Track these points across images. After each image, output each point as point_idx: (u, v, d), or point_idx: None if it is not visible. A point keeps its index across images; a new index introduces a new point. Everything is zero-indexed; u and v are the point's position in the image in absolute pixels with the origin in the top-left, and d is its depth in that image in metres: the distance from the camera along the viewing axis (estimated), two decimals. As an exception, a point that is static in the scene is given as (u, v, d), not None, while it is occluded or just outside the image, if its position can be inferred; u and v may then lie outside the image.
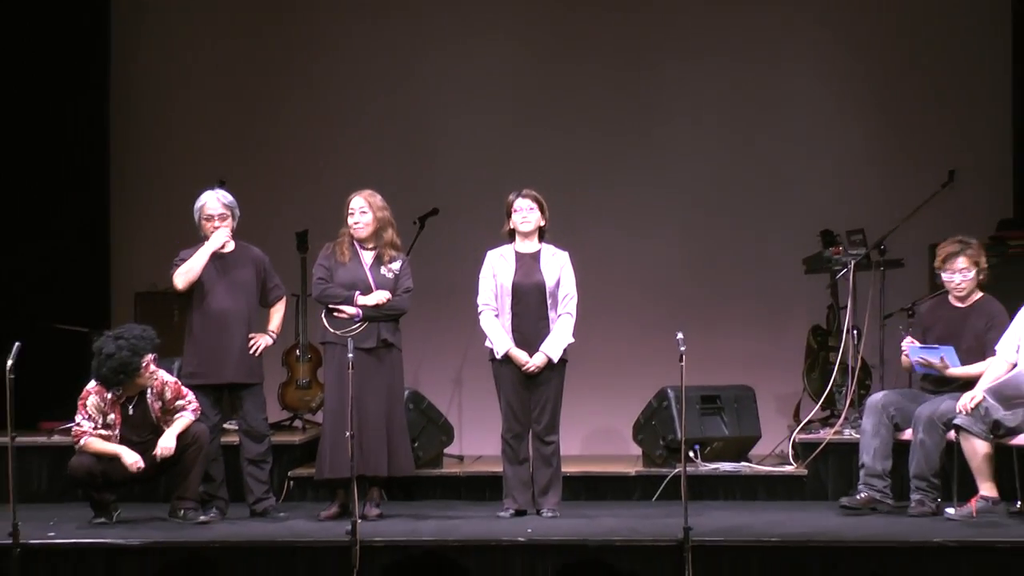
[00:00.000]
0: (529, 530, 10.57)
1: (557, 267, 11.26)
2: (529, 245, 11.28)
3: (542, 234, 11.32)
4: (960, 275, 11.21)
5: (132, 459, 10.72)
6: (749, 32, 14.20)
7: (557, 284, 11.22)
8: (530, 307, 11.20)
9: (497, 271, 11.24)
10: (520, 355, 11.15)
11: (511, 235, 11.29)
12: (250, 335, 11.23)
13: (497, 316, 11.22)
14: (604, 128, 14.20)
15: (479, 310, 11.29)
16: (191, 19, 14.37)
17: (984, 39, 13.92)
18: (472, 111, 14.26)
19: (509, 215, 11.27)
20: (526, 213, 11.21)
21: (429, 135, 14.29)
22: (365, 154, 13.94)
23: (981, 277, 11.27)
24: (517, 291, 11.19)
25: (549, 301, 11.21)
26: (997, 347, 10.97)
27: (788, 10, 14.20)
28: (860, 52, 14.17)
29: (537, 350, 11.14)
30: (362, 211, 11.11)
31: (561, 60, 14.27)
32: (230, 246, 11.26)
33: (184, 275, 11.09)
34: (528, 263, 11.25)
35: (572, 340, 11.25)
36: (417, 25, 14.27)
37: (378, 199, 11.18)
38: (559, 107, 14.23)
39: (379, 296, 11.04)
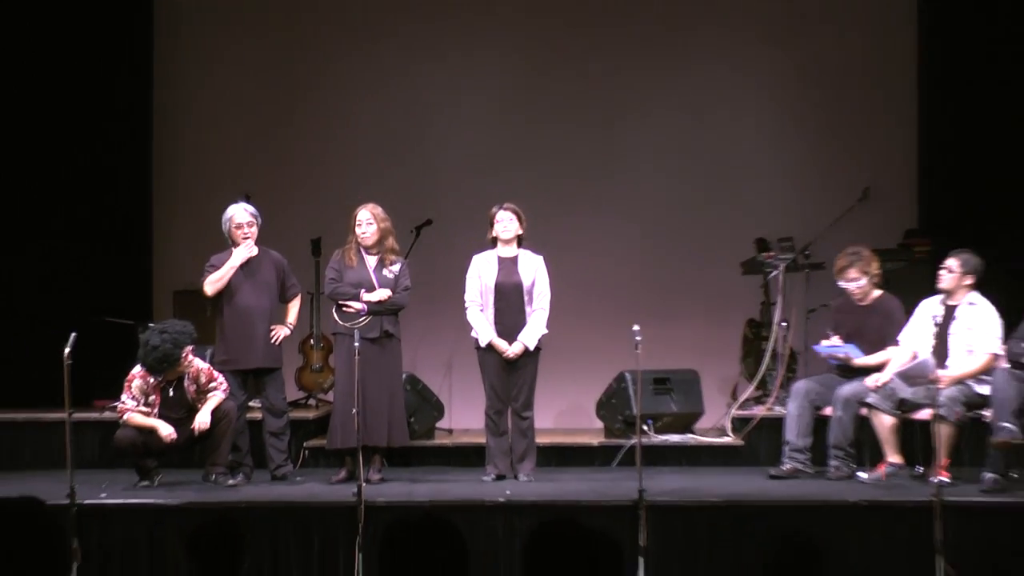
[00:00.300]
0: (508, 492, 10.62)
1: (533, 269, 11.34)
2: (509, 250, 11.35)
3: (520, 241, 11.39)
4: (854, 283, 11.35)
5: (167, 431, 10.78)
6: (700, 73, 14.17)
7: (533, 284, 11.29)
8: (510, 303, 11.27)
9: (482, 273, 11.32)
10: (501, 344, 11.23)
11: (493, 242, 11.38)
12: (271, 327, 11.30)
13: (482, 311, 11.31)
14: (574, 150, 14.18)
15: (466, 306, 11.35)
16: (222, 54, 14.31)
17: (894, 76, 13.92)
18: (461, 137, 14.26)
19: (492, 224, 11.33)
20: (506, 223, 11.29)
21: (425, 156, 14.27)
22: (370, 171, 13.92)
23: (874, 281, 11.39)
24: (499, 290, 11.27)
25: (526, 298, 11.28)
26: (900, 337, 11.11)
27: (732, 54, 14.16)
28: (789, 88, 14.16)
29: (516, 340, 11.25)
30: (368, 222, 11.18)
31: (539, 95, 14.24)
32: (253, 251, 11.34)
33: (212, 284, 11.20)
34: (508, 266, 11.32)
35: (546, 331, 11.33)
36: (417, 63, 14.24)
37: (380, 211, 11.24)
38: (537, 134, 14.20)
39: (381, 294, 11.10)
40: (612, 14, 14.16)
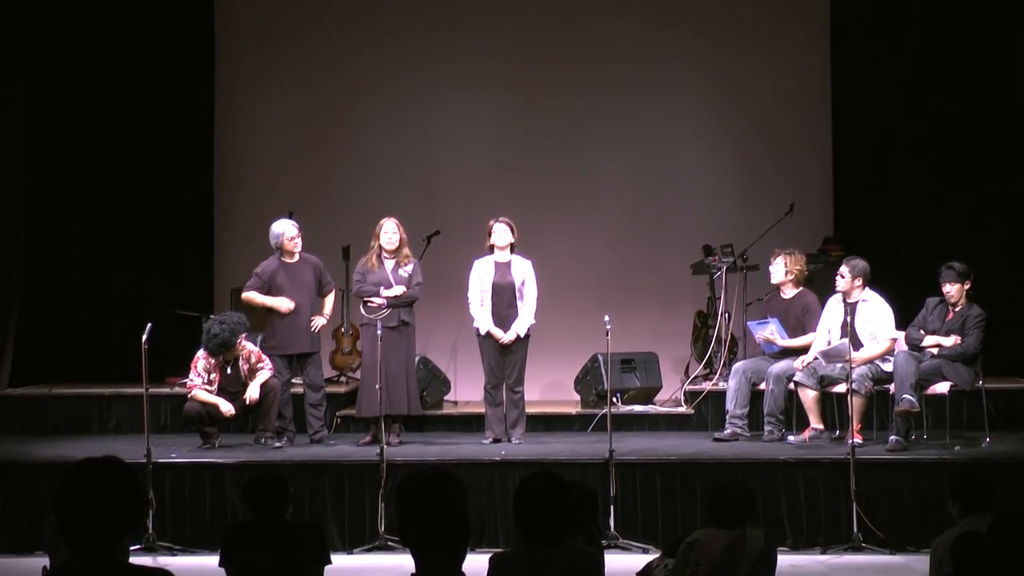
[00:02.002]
0: (503, 452, 10.70)
1: (523, 271, 11.36)
2: (503, 256, 11.36)
3: (512, 247, 11.42)
4: (774, 267, 11.48)
5: (227, 408, 10.86)
6: (657, 103, 14.06)
7: (523, 283, 11.33)
8: (504, 299, 11.30)
9: (481, 275, 11.33)
10: (497, 332, 11.25)
11: (491, 248, 11.40)
12: (311, 318, 11.35)
13: (482, 305, 11.34)
14: (554, 169, 14.10)
15: (469, 302, 11.38)
16: (273, 85, 14.22)
17: (813, 107, 13.86)
18: (463, 160, 14.19)
19: (489, 234, 11.37)
20: (501, 233, 11.31)
21: (433, 177, 14.18)
22: (389, 190, 13.86)
23: (791, 276, 11.44)
24: (495, 288, 11.28)
25: (518, 295, 11.31)
26: (818, 328, 11.16)
27: (683, 88, 14.11)
28: (729, 117, 14.08)
29: (510, 328, 11.26)
30: (394, 231, 11.23)
31: (525, 123, 14.14)
32: (297, 257, 11.39)
33: (247, 299, 11.36)
34: (503, 268, 11.33)
35: (534, 321, 11.35)
36: (427, 99, 14.16)
37: (400, 225, 11.30)
38: (524, 156, 14.08)
39: (396, 290, 11.13)
40: (584, 53, 14.09)
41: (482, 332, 11.31)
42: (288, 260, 11.37)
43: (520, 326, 11.27)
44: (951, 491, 6.70)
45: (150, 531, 9.85)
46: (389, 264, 11.24)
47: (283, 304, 11.10)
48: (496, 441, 11.26)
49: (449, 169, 14.24)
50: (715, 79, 14.15)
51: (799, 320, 11.39)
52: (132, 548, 9.29)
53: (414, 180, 14.17)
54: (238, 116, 14.28)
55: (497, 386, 11.35)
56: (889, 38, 13.55)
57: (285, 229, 11.39)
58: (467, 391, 13.10)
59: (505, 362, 11.31)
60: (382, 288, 11.14)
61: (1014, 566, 5.18)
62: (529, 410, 11.66)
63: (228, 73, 14.27)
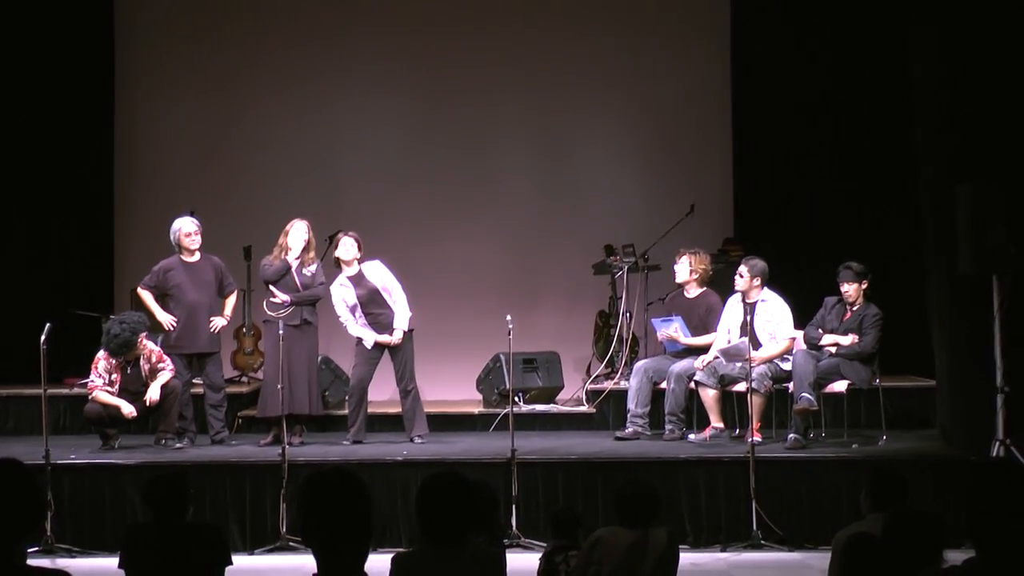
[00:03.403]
0: (404, 452, 10.66)
1: (378, 273, 11.31)
2: (352, 269, 11.26)
3: (359, 260, 11.31)
4: (679, 266, 11.55)
5: (128, 410, 10.73)
6: (560, 107, 14.09)
7: (383, 285, 11.27)
8: (375, 306, 11.23)
9: (344, 297, 11.25)
10: (384, 338, 11.19)
11: (337, 263, 11.32)
12: (211, 318, 11.25)
13: (358, 323, 11.24)
14: (456, 170, 14.08)
15: (343, 323, 11.32)
16: (173, 82, 14.10)
17: (714, 113, 13.96)
18: (366, 161, 14.15)
19: (335, 247, 11.34)
20: (348, 247, 11.24)
21: (336, 177, 14.11)
22: (291, 190, 13.76)
23: (696, 276, 11.51)
24: (362, 300, 11.22)
25: (384, 295, 11.25)
26: (718, 327, 11.24)
27: (585, 93, 14.12)
28: (632, 121, 14.13)
29: (394, 329, 11.18)
30: (303, 234, 11.17)
31: (429, 125, 14.13)
32: (197, 255, 11.28)
33: (139, 296, 11.30)
34: (359, 280, 11.24)
35: (410, 313, 11.27)
36: (331, 101, 14.11)
37: (310, 228, 11.23)
38: (426, 156, 14.06)
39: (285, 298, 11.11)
40: (489, 59, 14.11)
41: (369, 345, 11.21)
42: (188, 259, 11.27)
43: (400, 322, 11.21)
44: (866, 485, 6.74)
45: (49, 533, 9.70)
46: (293, 264, 11.17)
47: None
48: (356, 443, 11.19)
49: (353, 171, 14.16)
50: (617, 81, 14.19)
51: (702, 320, 11.45)
52: (30, 550, 9.16)
53: (317, 181, 14.08)
54: (139, 111, 14.11)
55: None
56: (790, 40, 13.66)
57: (182, 225, 11.30)
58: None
59: (394, 362, 11.27)
60: (273, 286, 11.10)
61: (902, 565, 5.24)
62: (431, 409, 11.63)
63: (128, 67, 14.09)
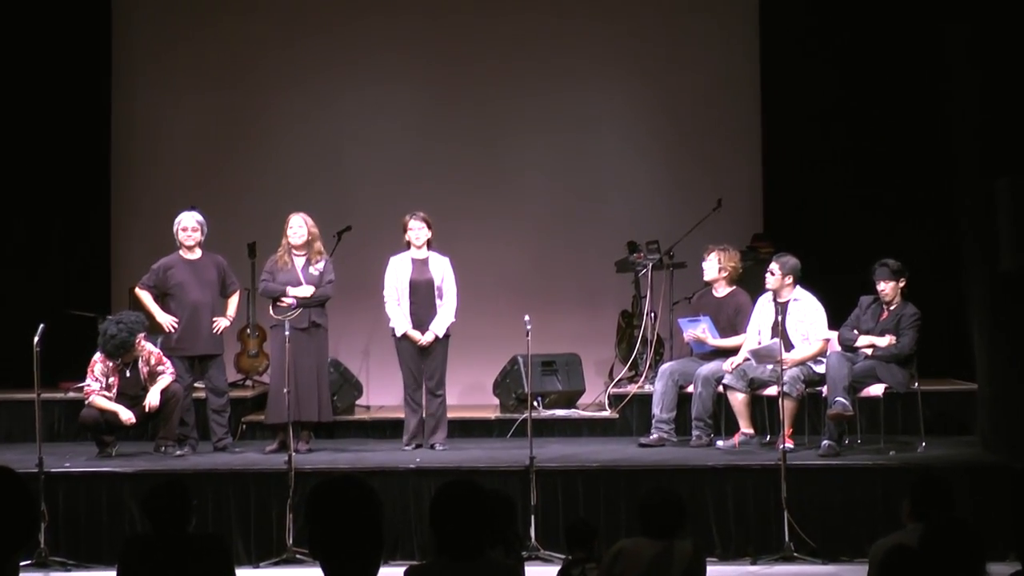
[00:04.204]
0: (418, 460, 10.65)
1: (442, 268, 11.31)
2: (420, 253, 11.30)
3: (429, 244, 11.37)
4: (707, 264, 11.50)
5: (127, 416, 10.72)
6: (580, 99, 14.11)
7: (442, 280, 11.28)
8: (422, 298, 11.22)
9: (397, 272, 11.26)
10: (415, 334, 11.17)
11: (407, 245, 11.35)
12: (214, 319, 11.24)
13: (398, 305, 11.27)
14: (472, 164, 14.11)
15: (385, 301, 11.30)
16: (175, 74, 14.11)
17: (742, 103, 13.95)
18: (377, 155, 14.16)
19: (405, 230, 11.32)
20: (417, 231, 11.27)
21: (346, 171, 14.14)
22: (299, 184, 13.78)
23: (725, 274, 11.49)
24: (413, 287, 11.21)
25: (436, 293, 11.26)
26: (748, 328, 11.22)
27: (607, 83, 14.14)
28: (656, 112, 14.15)
29: (428, 329, 11.20)
30: (300, 226, 11.15)
31: (443, 118, 14.15)
32: (198, 252, 11.28)
33: (138, 296, 11.28)
34: (420, 266, 11.27)
35: (453, 320, 11.30)
36: (340, 93, 14.13)
37: (309, 219, 11.23)
38: (441, 151, 14.09)
39: (305, 290, 11.06)
40: (502, 48, 14.12)
41: (398, 334, 11.23)
42: (188, 256, 11.25)
43: (439, 326, 11.21)
44: (908, 492, 6.71)
45: (42, 546, 9.71)
46: (299, 262, 11.17)
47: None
48: (417, 447, 11.20)
49: (362, 164, 14.18)
50: (640, 71, 14.19)
51: (731, 320, 11.42)
52: (23, 564, 9.14)
53: (325, 175, 14.11)
54: (137, 102, 14.14)
55: (417, 389, 11.27)
56: (821, 29, 13.64)
57: (182, 219, 11.30)
58: (380, 395, 13.07)
59: (424, 365, 11.25)
60: (288, 287, 11.07)
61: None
62: (447, 415, 11.60)
63: (127, 60, 14.13)
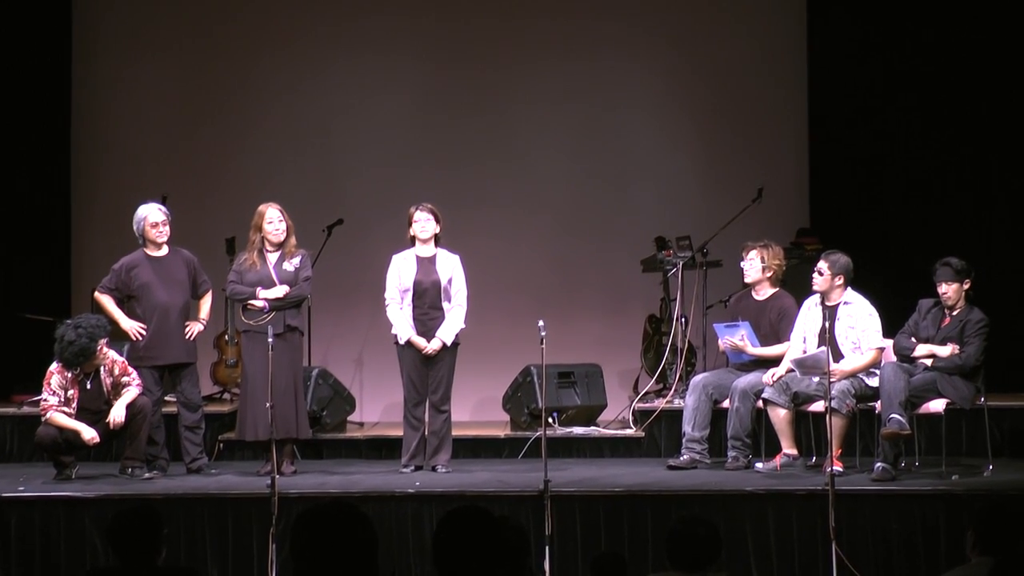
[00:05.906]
0: (417, 483, 10.63)
1: (451, 267, 11.28)
2: (427, 249, 11.27)
3: (437, 240, 11.35)
4: (748, 263, 11.46)
5: (90, 435, 10.70)
6: (602, 76, 14.14)
7: (450, 281, 11.24)
8: (428, 300, 11.19)
9: (400, 271, 11.23)
10: (419, 341, 11.14)
11: (412, 241, 11.32)
12: (185, 323, 11.22)
13: (401, 309, 11.24)
14: (480, 151, 14.14)
15: (386, 303, 11.28)
16: (139, 58, 14.13)
17: (786, 82, 13.96)
18: (372, 138, 14.18)
19: (410, 224, 11.29)
20: (424, 223, 11.24)
21: (335, 157, 14.18)
22: (282, 173, 13.83)
23: (769, 274, 11.47)
24: (417, 288, 11.18)
25: (443, 295, 11.23)
26: (792, 335, 11.19)
27: (634, 58, 14.15)
28: (687, 91, 14.18)
29: (434, 336, 11.18)
30: (279, 220, 11.12)
31: (447, 97, 14.17)
32: (165, 250, 11.27)
33: (98, 301, 11.26)
34: (426, 264, 11.24)
35: (463, 326, 11.28)
36: (326, 67, 14.16)
37: (283, 211, 11.22)
38: (446, 135, 14.11)
39: (278, 291, 11.04)
40: (513, 10, 14.13)
41: (401, 341, 11.21)
42: (154, 253, 11.24)
43: (446, 333, 11.19)
44: (973, 523, 6.67)
45: (-7, 579, 9.74)
46: (273, 258, 11.14)
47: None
48: (417, 469, 11.19)
49: (353, 149, 14.20)
50: (671, 43, 14.21)
51: (773, 326, 11.39)
52: (-29, 599, 9.18)
53: (312, 161, 14.15)
54: (99, 79, 14.18)
55: (419, 404, 11.25)
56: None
57: (148, 213, 11.25)
58: (375, 410, 13.11)
59: (429, 376, 11.23)
60: (259, 289, 11.05)
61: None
62: (452, 433, 11.59)
63: (87, 32, 14.15)
